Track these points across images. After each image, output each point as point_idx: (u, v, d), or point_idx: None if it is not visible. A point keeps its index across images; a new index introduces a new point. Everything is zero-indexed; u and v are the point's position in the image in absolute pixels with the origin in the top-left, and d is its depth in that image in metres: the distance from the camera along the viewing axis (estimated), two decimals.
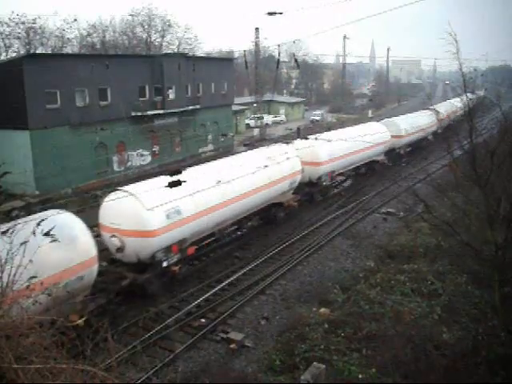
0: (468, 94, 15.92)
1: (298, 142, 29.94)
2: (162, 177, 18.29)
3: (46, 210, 16.48)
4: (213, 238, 22.29)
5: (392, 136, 39.52)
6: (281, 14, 41.80)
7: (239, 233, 25.20)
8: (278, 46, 40.93)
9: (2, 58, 54.54)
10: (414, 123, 44.89)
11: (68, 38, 62.63)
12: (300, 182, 28.27)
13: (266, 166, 24.14)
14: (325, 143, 29.76)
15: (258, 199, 23.96)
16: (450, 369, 12.24)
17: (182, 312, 17.35)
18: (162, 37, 72.10)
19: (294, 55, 60.78)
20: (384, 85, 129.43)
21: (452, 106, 54.68)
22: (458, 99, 56.94)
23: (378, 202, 31.53)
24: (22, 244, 7.75)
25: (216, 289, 19.27)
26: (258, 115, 64.49)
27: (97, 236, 17.48)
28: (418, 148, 48.27)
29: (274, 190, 25.13)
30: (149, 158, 43.29)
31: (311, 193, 30.62)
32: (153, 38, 71.88)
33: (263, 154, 25.74)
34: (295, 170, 27.10)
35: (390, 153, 40.71)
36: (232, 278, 20.23)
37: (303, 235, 25.29)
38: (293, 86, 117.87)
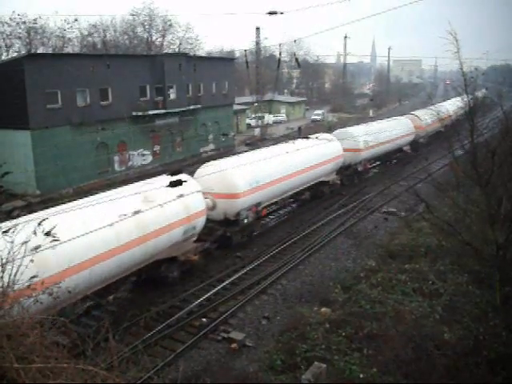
0: (466, 96, 15.93)
1: (203, 169, 23.01)
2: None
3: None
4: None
5: (346, 150, 33.29)
6: (281, 13, 41.77)
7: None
8: (279, 45, 40.77)
9: (3, 57, 54.58)
10: (381, 133, 38.19)
11: (69, 38, 62.80)
12: (214, 220, 22.57)
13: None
14: (242, 167, 23.36)
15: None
16: (451, 368, 12.24)
17: (183, 311, 17.35)
18: (163, 36, 72.19)
19: (294, 55, 60.72)
20: (385, 84, 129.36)
21: (440, 109, 51.10)
22: (452, 101, 54.82)
23: (379, 202, 31.49)
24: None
25: (217, 288, 19.28)
26: (259, 115, 64.53)
27: None
28: (389, 161, 43.91)
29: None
30: (150, 158, 43.35)
31: (225, 235, 22.87)
32: (154, 38, 72.02)
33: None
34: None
35: (346, 170, 35.22)
36: (233, 278, 20.24)
37: (304, 235, 25.28)
38: (294, 86, 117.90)
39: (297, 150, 27.55)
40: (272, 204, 27.30)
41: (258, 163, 24.42)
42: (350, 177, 36.09)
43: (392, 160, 44.16)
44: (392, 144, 39.57)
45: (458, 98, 46.59)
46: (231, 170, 22.61)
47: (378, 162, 42.68)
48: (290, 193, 27.92)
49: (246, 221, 23.51)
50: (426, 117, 46.14)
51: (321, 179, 31.01)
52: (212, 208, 22.03)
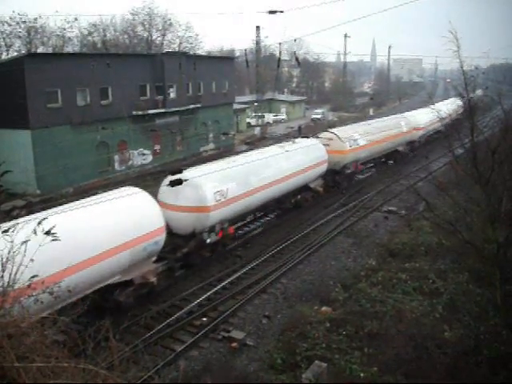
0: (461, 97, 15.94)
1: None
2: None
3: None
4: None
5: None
6: (282, 12, 41.75)
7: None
8: (279, 44, 40.81)
9: (3, 57, 54.57)
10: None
11: (69, 38, 62.84)
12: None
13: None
14: (212, 176, 20.57)
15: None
16: (452, 367, 12.25)
17: (183, 311, 17.36)
18: (163, 36, 72.15)
19: (294, 54, 60.63)
20: (385, 83, 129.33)
21: (424, 115, 46.06)
22: (443, 104, 51.12)
23: (379, 201, 31.49)
24: None
25: (217, 287, 19.28)
26: (259, 114, 64.50)
27: None
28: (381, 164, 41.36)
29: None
30: (150, 157, 43.35)
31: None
32: (154, 37, 71.97)
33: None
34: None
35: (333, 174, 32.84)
36: (233, 277, 20.24)
37: (304, 234, 25.28)
38: (294, 85, 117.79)
39: (269, 156, 25.09)
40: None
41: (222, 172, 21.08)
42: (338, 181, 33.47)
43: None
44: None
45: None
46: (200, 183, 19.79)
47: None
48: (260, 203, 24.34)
49: (209, 240, 20.76)
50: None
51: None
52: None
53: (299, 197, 28.67)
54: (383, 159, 41.31)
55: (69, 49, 62.73)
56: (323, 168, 30.12)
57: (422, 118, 45.68)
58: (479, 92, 19.67)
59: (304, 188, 28.80)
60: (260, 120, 64.38)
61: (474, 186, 15.07)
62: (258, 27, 60.63)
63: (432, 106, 50.39)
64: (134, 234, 15.90)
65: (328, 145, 30.76)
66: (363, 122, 40.33)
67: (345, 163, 32.85)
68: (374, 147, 36.32)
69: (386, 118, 44.34)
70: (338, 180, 33.25)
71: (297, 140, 29.81)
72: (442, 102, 57.05)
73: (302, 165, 27.34)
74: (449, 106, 51.42)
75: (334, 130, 34.61)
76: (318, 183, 30.33)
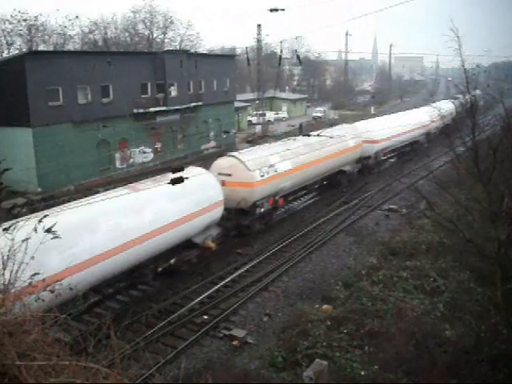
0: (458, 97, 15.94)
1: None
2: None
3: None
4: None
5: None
6: (283, 10, 41.79)
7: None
8: (280, 42, 40.99)
9: (4, 55, 54.61)
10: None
11: (70, 35, 62.89)
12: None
13: None
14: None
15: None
16: (453, 366, 12.24)
17: (184, 309, 17.38)
18: (164, 34, 72.16)
19: (296, 52, 60.68)
20: (386, 81, 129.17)
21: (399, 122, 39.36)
22: (431, 108, 45.40)
23: (380, 199, 31.48)
24: None
25: (219, 285, 19.30)
26: (260, 112, 64.45)
27: None
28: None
29: None
30: (151, 155, 43.36)
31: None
32: (155, 35, 71.96)
33: None
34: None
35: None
36: (234, 275, 20.26)
37: (305, 232, 25.28)
38: (295, 83, 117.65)
39: None
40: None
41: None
42: None
43: None
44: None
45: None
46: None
47: None
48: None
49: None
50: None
51: None
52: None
53: (172, 261, 19.20)
54: (325, 182, 32.64)
55: (70, 47, 62.77)
56: (215, 214, 20.96)
57: (382, 128, 36.76)
58: (478, 92, 19.07)
59: (182, 247, 19.77)
60: (261, 118, 64.33)
61: (475, 184, 15.05)
62: (259, 25, 60.55)
63: (408, 112, 46.39)
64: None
65: (230, 174, 23.13)
66: (292, 138, 30.10)
67: (254, 200, 23.66)
68: (305, 172, 27.33)
69: (329, 129, 33.42)
70: (245, 224, 23.95)
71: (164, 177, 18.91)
72: (436, 103, 50.31)
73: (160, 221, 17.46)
74: (442, 109, 46.81)
75: (240, 153, 25.49)
76: (208, 237, 21.08)
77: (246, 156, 24.17)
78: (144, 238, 16.32)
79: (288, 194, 27.47)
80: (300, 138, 29.15)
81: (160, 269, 18.63)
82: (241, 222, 23.73)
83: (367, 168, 36.99)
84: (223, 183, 22.34)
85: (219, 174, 22.99)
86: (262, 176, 23.65)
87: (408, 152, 44.13)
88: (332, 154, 30.21)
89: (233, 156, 24.28)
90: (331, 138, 29.54)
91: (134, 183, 19.45)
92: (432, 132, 47.45)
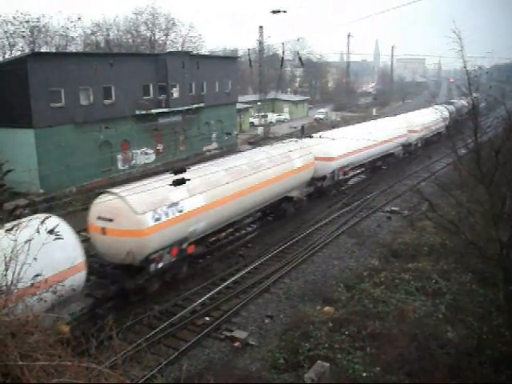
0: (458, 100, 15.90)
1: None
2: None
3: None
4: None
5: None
6: (285, 12, 41.83)
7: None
8: (282, 44, 40.98)
9: (7, 56, 54.74)
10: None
11: (72, 37, 62.99)
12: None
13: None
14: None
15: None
16: (455, 367, 12.23)
17: (186, 310, 17.37)
18: (166, 35, 72.30)
19: (298, 53, 60.66)
20: (388, 83, 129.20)
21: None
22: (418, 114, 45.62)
23: (382, 201, 31.45)
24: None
25: (220, 287, 19.29)
26: (262, 113, 64.49)
27: None
28: None
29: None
30: (153, 157, 43.39)
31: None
32: (157, 37, 72.10)
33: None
34: None
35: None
36: (236, 277, 20.25)
37: (307, 233, 25.27)
38: (297, 85, 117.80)
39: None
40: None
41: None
42: None
43: None
44: None
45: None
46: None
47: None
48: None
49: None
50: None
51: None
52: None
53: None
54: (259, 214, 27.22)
55: (72, 48, 62.90)
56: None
57: (340, 143, 30.86)
58: (475, 95, 17.93)
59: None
60: (263, 120, 64.36)
61: (477, 186, 15.05)
62: (261, 27, 60.69)
63: (381, 121, 41.04)
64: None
65: (112, 220, 16.88)
66: (209, 163, 22.96)
67: (147, 253, 17.29)
68: (228, 206, 20.95)
69: (268, 146, 28.16)
70: (132, 286, 17.31)
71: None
72: (419, 110, 49.59)
73: None
74: (426, 117, 44.55)
75: (127, 189, 17.52)
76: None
77: (134, 194, 16.89)
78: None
79: (204, 237, 20.99)
80: (221, 160, 23.51)
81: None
82: (126, 284, 17.12)
83: (321, 191, 30.91)
84: (103, 231, 17.05)
85: (98, 218, 17.20)
86: (158, 219, 17.33)
87: (380, 167, 39.67)
88: (274, 178, 24.14)
89: (115, 194, 17.18)
90: (267, 157, 24.49)
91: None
92: (413, 143, 43.13)
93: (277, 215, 27.63)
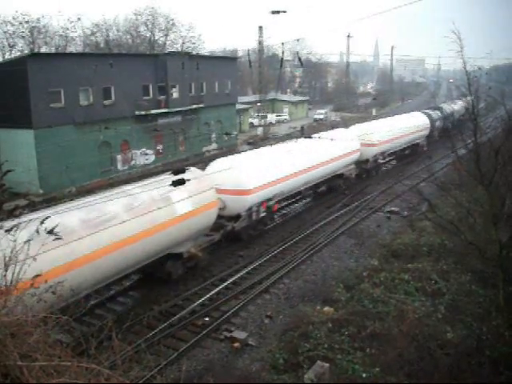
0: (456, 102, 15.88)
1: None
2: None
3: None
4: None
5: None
6: (284, 12, 41.91)
7: None
8: (282, 44, 40.85)
9: (6, 57, 54.74)
10: None
11: (72, 37, 63.02)
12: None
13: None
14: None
15: None
16: (454, 368, 12.22)
17: (185, 311, 17.37)
18: (166, 36, 72.27)
19: (297, 54, 60.65)
20: (388, 83, 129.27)
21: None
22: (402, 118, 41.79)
23: (381, 201, 31.45)
24: None
25: (220, 287, 19.28)
26: (262, 114, 64.51)
27: None
28: None
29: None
30: (153, 157, 43.41)
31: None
32: (156, 37, 72.10)
33: None
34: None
35: None
36: (236, 277, 20.24)
37: (307, 234, 25.27)
38: (296, 85, 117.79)
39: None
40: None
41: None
42: None
43: None
44: None
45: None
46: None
47: None
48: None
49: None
50: None
51: None
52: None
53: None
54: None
55: (72, 49, 62.89)
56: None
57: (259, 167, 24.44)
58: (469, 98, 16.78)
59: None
60: (263, 120, 64.38)
61: (477, 186, 15.06)
62: (260, 27, 60.68)
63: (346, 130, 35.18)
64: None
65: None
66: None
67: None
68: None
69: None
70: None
71: None
72: (404, 115, 45.90)
73: None
74: (405, 122, 41.12)
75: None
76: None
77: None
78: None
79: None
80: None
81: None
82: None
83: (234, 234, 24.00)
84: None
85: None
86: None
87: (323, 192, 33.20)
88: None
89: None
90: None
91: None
92: (370, 159, 36.34)
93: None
